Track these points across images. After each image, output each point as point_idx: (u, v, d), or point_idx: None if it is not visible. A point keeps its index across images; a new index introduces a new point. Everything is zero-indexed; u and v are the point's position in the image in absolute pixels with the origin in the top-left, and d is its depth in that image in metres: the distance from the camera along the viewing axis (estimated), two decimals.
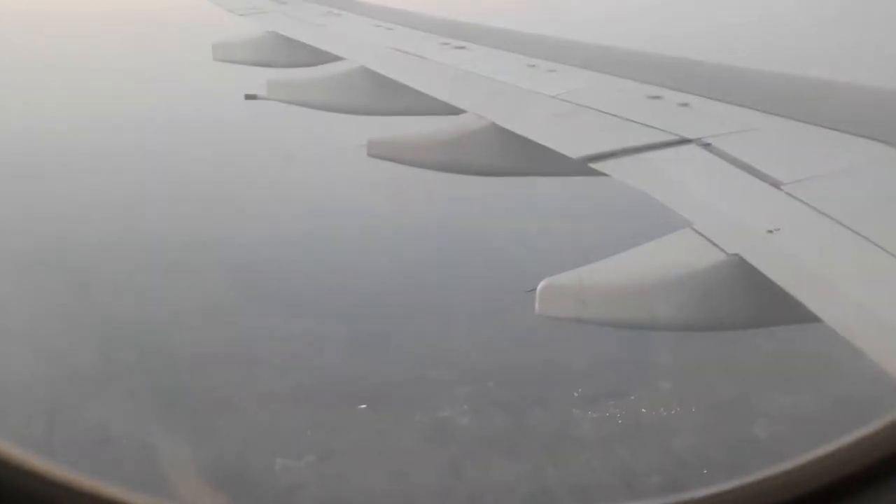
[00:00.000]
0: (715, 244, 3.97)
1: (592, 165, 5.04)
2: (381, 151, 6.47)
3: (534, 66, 7.20)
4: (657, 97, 5.98)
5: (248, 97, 8.29)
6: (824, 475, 1.14)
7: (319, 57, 8.93)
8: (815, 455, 1.18)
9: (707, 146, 4.94)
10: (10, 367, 14.82)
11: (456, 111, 6.65)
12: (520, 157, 6.07)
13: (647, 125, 5.41)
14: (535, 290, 4.02)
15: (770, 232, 3.93)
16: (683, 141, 5.09)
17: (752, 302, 3.95)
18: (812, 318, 3.34)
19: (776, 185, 4.30)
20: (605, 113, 5.82)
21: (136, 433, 12.91)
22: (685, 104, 5.73)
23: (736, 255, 3.86)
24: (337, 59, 8.59)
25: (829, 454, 1.16)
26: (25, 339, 15.95)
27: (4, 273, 19.62)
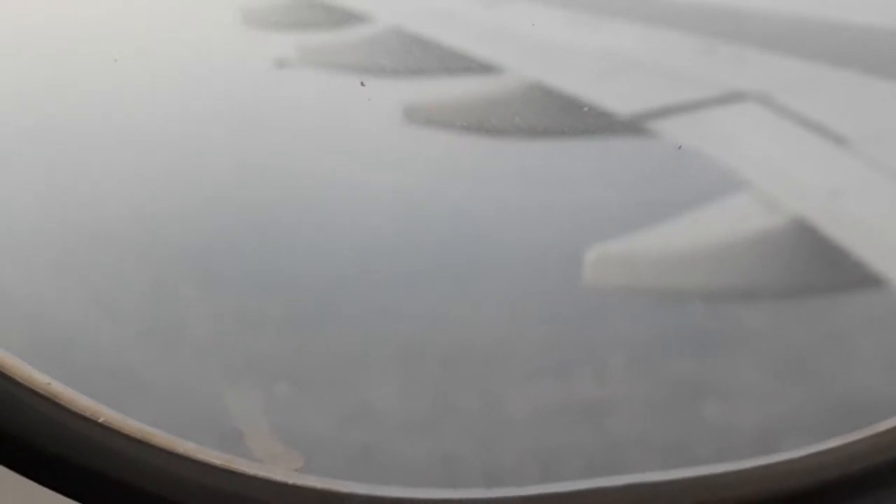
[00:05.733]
0: (776, 206, 3.92)
1: (642, 123, 4.99)
2: (420, 116, 6.45)
3: (577, 19, 7.11)
4: (711, 50, 5.89)
5: (279, 63, 8.29)
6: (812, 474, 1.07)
7: (350, 17, 8.89)
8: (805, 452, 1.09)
9: (766, 101, 4.87)
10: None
11: (495, 70, 6.60)
12: (563, 116, 6.01)
13: (701, 80, 5.33)
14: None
15: (835, 193, 3.88)
16: (740, 96, 5.02)
17: (816, 268, 3.90)
18: (877, 284, 3.31)
19: (842, 142, 4.23)
20: (655, 68, 5.75)
21: None
22: (741, 57, 5.64)
23: (799, 217, 3.82)
24: (369, 19, 8.55)
25: (818, 453, 1.08)
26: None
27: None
